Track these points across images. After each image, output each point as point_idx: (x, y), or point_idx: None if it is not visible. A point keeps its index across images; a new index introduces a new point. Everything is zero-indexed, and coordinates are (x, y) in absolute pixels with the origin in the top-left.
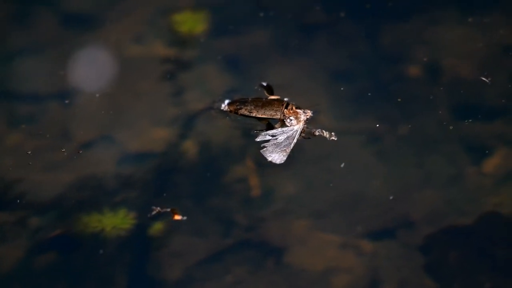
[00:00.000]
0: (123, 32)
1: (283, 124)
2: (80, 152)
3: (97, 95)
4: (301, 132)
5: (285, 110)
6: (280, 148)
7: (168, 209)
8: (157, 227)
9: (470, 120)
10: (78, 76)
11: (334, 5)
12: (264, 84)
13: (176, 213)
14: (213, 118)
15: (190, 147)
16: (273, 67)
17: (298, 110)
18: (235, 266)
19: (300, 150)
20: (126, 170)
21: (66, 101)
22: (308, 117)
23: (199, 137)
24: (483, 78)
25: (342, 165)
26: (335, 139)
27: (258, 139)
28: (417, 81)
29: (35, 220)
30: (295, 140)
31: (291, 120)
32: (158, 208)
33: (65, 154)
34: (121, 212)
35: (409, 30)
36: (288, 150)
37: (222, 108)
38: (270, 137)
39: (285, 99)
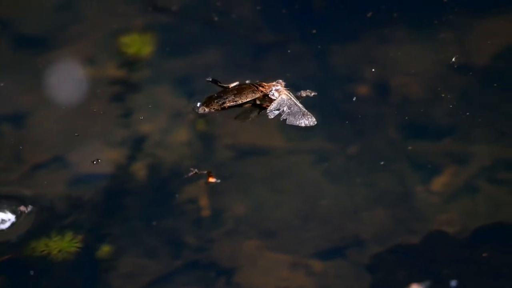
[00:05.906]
0: (76, 54)
1: (263, 101)
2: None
3: (50, 116)
4: (293, 97)
5: (260, 88)
6: (299, 115)
7: (205, 172)
8: (105, 249)
9: (419, 139)
10: (30, 98)
11: (284, 26)
12: (210, 79)
13: (211, 176)
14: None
15: (140, 168)
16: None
17: (271, 83)
18: (186, 287)
19: (249, 170)
20: (76, 192)
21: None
22: (283, 84)
23: (149, 158)
24: (453, 60)
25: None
26: (316, 94)
27: (271, 117)
28: (366, 100)
29: None
30: (299, 104)
31: (273, 94)
32: (196, 170)
33: (16, 176)
34: (68, 235)
35: (359, 49)
36: (307, 112)
37: (200, 112)
38: (277, 111)
39: (247, 81)
